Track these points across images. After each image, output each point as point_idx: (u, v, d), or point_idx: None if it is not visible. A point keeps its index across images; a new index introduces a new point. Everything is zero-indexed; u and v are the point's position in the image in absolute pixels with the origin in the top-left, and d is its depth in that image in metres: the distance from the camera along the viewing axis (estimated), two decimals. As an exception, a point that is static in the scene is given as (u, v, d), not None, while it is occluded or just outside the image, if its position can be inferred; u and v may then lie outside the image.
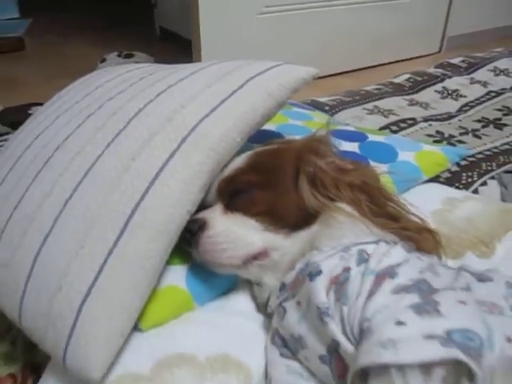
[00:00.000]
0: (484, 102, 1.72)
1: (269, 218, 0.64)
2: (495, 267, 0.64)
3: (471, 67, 2.02)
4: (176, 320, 0.65)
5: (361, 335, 0.48)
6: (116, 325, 0.56)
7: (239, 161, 0.69)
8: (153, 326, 0.63)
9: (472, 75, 1.95)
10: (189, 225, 0.64)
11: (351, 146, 0.97)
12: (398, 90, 1.77)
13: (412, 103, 1.65)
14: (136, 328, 0.63)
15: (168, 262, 0.67)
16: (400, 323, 0.44)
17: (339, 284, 0.54)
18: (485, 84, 1.87)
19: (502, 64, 2.04)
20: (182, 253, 0.68)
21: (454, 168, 1.23)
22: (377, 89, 1.77)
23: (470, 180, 1.18)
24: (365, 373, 0.44)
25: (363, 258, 0.57)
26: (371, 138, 1.01)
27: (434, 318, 0.45)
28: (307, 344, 0.55)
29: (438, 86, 1.82)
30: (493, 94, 1.78)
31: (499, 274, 0.61)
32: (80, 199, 0.64)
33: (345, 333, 0.51)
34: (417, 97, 1.72)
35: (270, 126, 1.03)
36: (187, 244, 0.65)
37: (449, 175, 1.21)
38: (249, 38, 1.91)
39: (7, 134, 1.42)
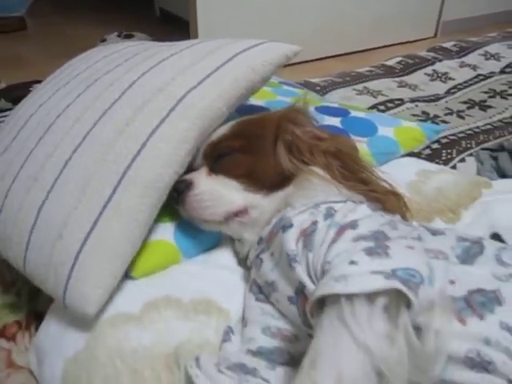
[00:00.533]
0: (472, 84, 1.78)
1: (249, 179, 0.71)
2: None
3: (462, 51, 2.07)
4: (164, 271, 0.72)
5: (322, 276, 0.55)
6: (109, 268, 0.63)
7: (224, 128, 0.76)
8: (143, 274, 0.70)
9: (463, 59, 2.00)
10: (176, 184, 0.71)
11: (334, 121, 1.03)
12: (388, 72, 1.83)
13: (401, 85, 1.71)
14: (128, 276, 0.70)
15: (158, 220, 0.75)
16: (352, 262, 0.51)
17: (307, 235, 0.61)
18: (474, 67, 1.92)
19: (493, 48, 2.09)
20: (171, 211, 0.75)
21: (435, 145, 1.30)
22: (368, 71, 1.82)
23: (449, 157, 1.25)
24: (321, 303, 0.51)
25: (330, 214, 0.63)
26: (353, 113, 1.08)
27: (383, 258, 0.51)
28: (278, 288, 0.62)
29: (429, 69, 1.87)
30: (481, 77, 1.83)
31: (453, 231, 0.68)
32: (79, 159, 0.71)
33: (309, 275, 0.58)
34: (406, 79, 1.78)
35: (259, 102, 1.09)
36: (175, 202, 0.72)
37: (430, 152, 1.28)
38: (244, 20, 1.96)
39: (10, 109, 1.49)
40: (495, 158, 1.19)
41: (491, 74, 1.86)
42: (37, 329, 0.74)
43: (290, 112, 0.76)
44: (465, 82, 1.79)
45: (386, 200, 0.72)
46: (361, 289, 0.47)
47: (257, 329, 0.62)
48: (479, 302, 0.52)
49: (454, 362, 0.49)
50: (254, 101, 1.09)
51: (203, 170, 0.74)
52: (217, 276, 0.72)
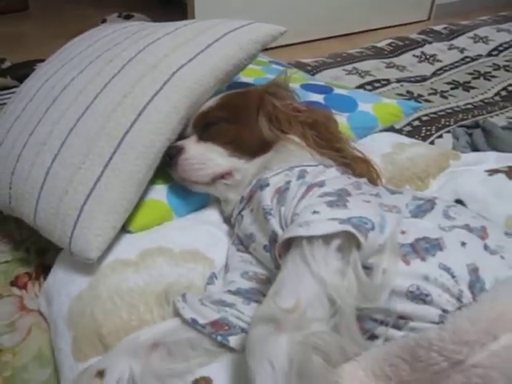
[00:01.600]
0: (458, 66, 1.85)
1: (233, 146, 0.80)
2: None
3: (452, 34, 2.13)
4: (158, 226, 0.81)
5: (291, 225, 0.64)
6: (109, 220, 0.73)
7: (212, 101, 0.85)
8: (139, 229, 0.80)
9: (452, 41, 2.06)
10: (169, 150, 0.80)
11: (317, 97, 1.11)
12: (378, 53, 1.90)
13: (389, 66, 1.78)
14: (127, 230, 0.80)
15: (153, 182, 0.84)
16: (315, 212, 0.60)
17: (281, 192, 0.70)
18: (462, 50, 1.98)
19: (482, 32, 2.15)
20: (165, 175, 0.84)
21: (416, 123, 1.38)
22: (359, 52, 1.89)
23: (428, 133, 1.33)
24: (288, 246, 0.60)
25: (302, 175, 0.72)
26: (336, 91, 1.16)
27: (341, 209, 0.60)
28: (256, 239, 0.72)
29: (417, 51, 1.94)
30: (468, 60, 1.90)
31: (411, 191, 0.77)
32: (82, 127, 0.80)
33: (281, 226, 0.67)
34: (395, 60, 1.85)
35: (248, 79, 1.17)
36: (168, 166, 0.81)
37: (410, 129, 1.36)
38: (242, 1, 2.02)
39: (16, 86, 1.57)
40: (470, 135, 1.27)
41: (478, 57, 1.93)
42: (45, 279, 0.84)
43: (271, 86, 0.85)
44: (451, 64, 1.86)
45: (356, 165, 0.81)
46: (319, 232, 0.57)
47: (237, 273, 0.71)
48: (423, 248, 0.61)
49: (397, 294, 0.58)
50: (244, 78, 1.17)
51: (193, 138, 0.83)
52: (204, 231, 0.82)
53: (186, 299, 0.65)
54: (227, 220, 0.85)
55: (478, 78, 1.74)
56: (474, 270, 0.58)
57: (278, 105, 0.81)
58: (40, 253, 0.95)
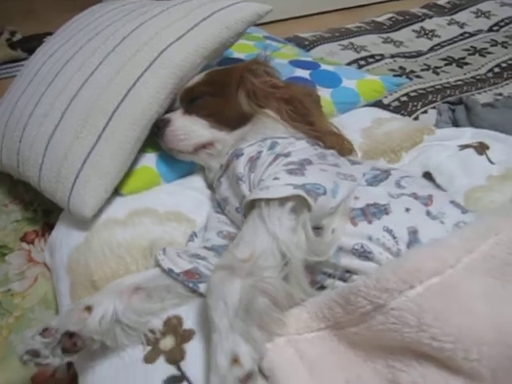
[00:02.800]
0: (456, 42, 1.88)
1: (215, 118, 0.89)
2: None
3: (455, 8, 2.15)
4: (147, 190, 0.91)
5: (257, 190, 0.73)
6: (102, 183, 0.83)
7: (198, 77, 0.93)
8: (130, 192, 0.90)
9: (453, 16, 2.08)
10: (157, 122, 0.89)
11: (304, 73, 1.18)
12: (377, 28, 1.93)
13: (386, 41, 1.82)
14: (119, 193, 0.90)
15: (144, 150, 0.94)
16: (276, 178, 0.69)
17: (253, 161, 0.79)
18: (462, 25, 2.01)
19: (485, 6, 2.16)
20: (155, 144, 0.94)
21: (404, 98, 1.44)
22: (358, 27, 1.93)
23: (414, 109, 1.39)
24: (251, 207, 0.69)
25: (273, 146, 0.81)
26: (323, 67, 1.23)
27: (298, 176, 0.69)
28: (230, 202, 0.81)
29: (417, 26, 1.97)
30: (466, 35, 1.93)
31: (371, 163, 0.85)
32: (80, 100, 0.89)
33: (250, 191, 0.76)
34: (393, 35, 1.88)
35: (240, 55, 1.24)
36: (157, 136, 0.90)
37: (398, 104, 1.42)
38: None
39: (25, 59, 1.66)
40: (453, 111, 1.33)
41: (477, 32, 1.95)
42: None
43: (251, 64, 0.92)
44: (449, 40, 1.89)
45: (326, 139, 0.89)
46: (275, 195, 0.65)
47: (213, 232, 0.81)
48: (371, 212, 0.69)
49: (344, 251, 0.67)
50: (236, 53, 1.24)
51: (179, 111, 0.91)
52: (188, 195, 0.91)
53: (165, 252, 0.75)
54: (210, 186, 0.94)
55: (473, 54, 1.77)
56: (413, 232, 0.66)
57: (255, 82, 0.88)
58: (46, 213, 1.06)
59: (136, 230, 0.82)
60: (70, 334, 0.61)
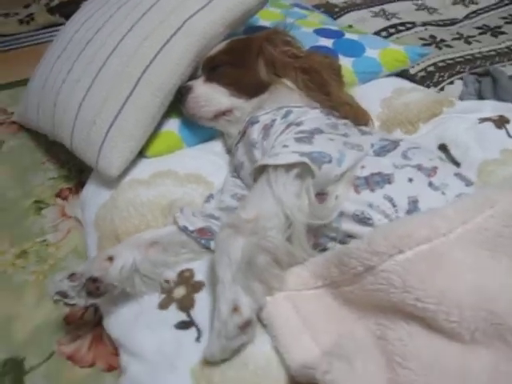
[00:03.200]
0: (494, 9, 1.81)
1: (234, 87, 0.93)
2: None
3: (496, -27, 2.05)
4: (170, 153, 0.97)
5: (269, 156, 0.78)
6: (127, 145, 0.89)
7: (220, 45, 0.97)
8: (154, 155, 0.96)
9: (494, -19, 1.99)
10: (180, 89, 0.94)
11: (327, 42, 1.19)
12: (412, -6, 1.88)
13: (420, 8, 1.78)
14: (144, 156, 0.96)
15: (168, 116, 0.99)
16: (285, 146, 0.73)
17: (266, 129, 0.83)
18: (503, -9, 1.92)
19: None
20: (178, 110, 0.99)
21: (431, 68, 1.43)
22: (392, -8, 1.88)
23: (440, 79, 1.38)
24: (261, 172, 0.74)
25: (287, 115, 0.85)
26: (347, 36, 1.23)
27: (306, 144, 0.73)
28: (244, 167, 0.86)
29: (454, -8, 1.90)
30: (506, 2, 1.85)
31: (381, 133, 0.88)
32: (109, 66, 0.95)
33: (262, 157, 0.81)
34: (428, 2, 1.84)
35: (265, 22, 1.26)
36: (179, 102, 0.95)
37: (424, 74, 1.41)
38: None
39: (63, 24, 1.72)
40: (480, 82, 1.31)
41: (519, -1, 1.87)
42: (82, 193, 1.03)
43: (270, 34, 0.95)
44: (487, 7, 1.82)
45: (341, 109, 0.91)
46: (282, 161, 0.70)
47: (228, 195, 0.86)
48: (375, 181, 0.73)
49: (345, 216, 0.71)
50: (262, 21, 1.26)
51: (201, 79, 0.96)
52: (208, 159, 0.97)
53: (183, 211, 0.81)
54: (229, 151, 0.99)
55: (510, 22, 1.71)
56: (414, 202, 0.70)
57: (274, 52, 0.91)
58: (79, 172, 1.15)
59: (158, 190, 0.88)
60: (94, 280, 0.69)
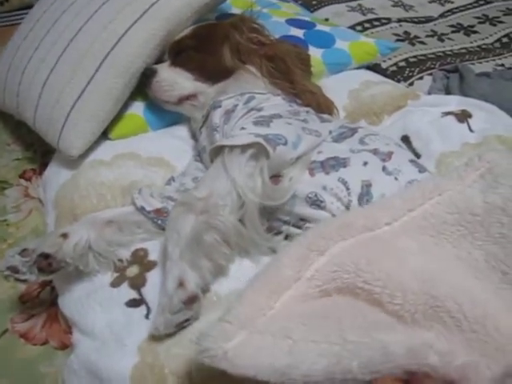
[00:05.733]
0: (469, 8, 1.84)
1: (199, 72, 0.93)
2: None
3: (474, -26, 2.08)
4: (134, 136, 0.97)
5: (227, 139, 0.78)
6: (89, 126, 0.89)
7: (186, 30, 0.97)
8: (118, 137, 0.96)
9: (472, -18, 2.02)
10: (145, 71, 0.94)
11: (298, 32, 1.20)
12: (390, -10, 1.90)
13: (396, 4, 1.80)
14: (108, 138, 0.96)
15: (133, 98, 0.99)
16: (242, 128, 0.74)
17: (228, 113, 0.84)
18: (479, -9, 1.95)
19: (507, -27, 2.09)
20: (144, 93, 0.99)
21: (402, 63, 1.44)
22: (370, -12, 1.90)
23: (410, 74, 1.39)
24: (217, 154, 0.74)
25: (249, 100, 0.85)
26: (318, 27, 1.24)
27: (263, 127, 0.74)
28: (207, 150, 0.86)
29: (431, -10, 1.92)
30: (481, 2, 1.88)
31: (341, 121, 0.89)
32: (74, 47, 0.94)
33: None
34: (405, -1, 1.85)
35: (238, 11, 1.26)
36: (144, 85, 0.95)
37: (395, 69, 1.42)
38: None
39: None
40: (448, 78, 1.34)
41: (494, 0, 1.90)
42: (46, 175, 1.02)
43: (237, 20, 0.95)
44: (463, 6, 1.84)
45: (303, 97, 0.92)
46: (237, 142, 0.71)
47: (189, 178, 0.87)
48: (330, 165, 0.74)
49: (298, 199, 0.72)
50: (235, 9, 1.26)
51: (166, 63, 0.96)
52: (172, 143, 0.97)
53: (141, 192, 0.81)
54: (194, 136, 1.00)
55: (484, 22, 1.73)
56: (367, 186, 0.71)
57: (239, 38, 0.92)
58: (44, 154, 1.14)
59: (119, 172, 0.88)
60: (46, 256, 0.69)
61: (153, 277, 0.71)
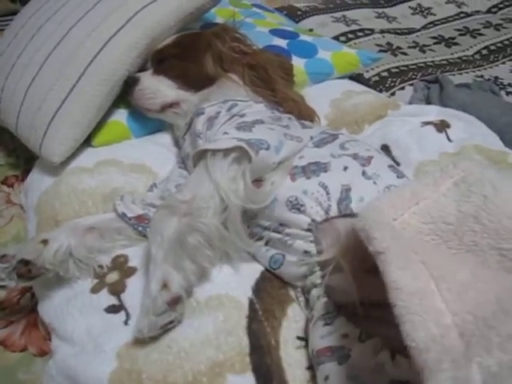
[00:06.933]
0: (450, 21, 1.88)
1: (182, 80, 0.94)
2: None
3: (455, -13, 2.13)
4: (117, 143, 0.98)
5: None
6: (71, 133, 0.90)
7: (169, 39, 0.98)
8: (101, 144, 0.97)
9: (453, -5, 2.07)
10: (127, 79, 0.95)
11: (281, 42, 1.22)
12: (373, 2, 1.94)
13: (380, 16, 1.84)
14: (90, 145, 0.96)
15: (117, 106, 1.00)
16: (225, 133, 0.75)
17: (211, 120, 0.85)
18: (460, 5, 2.00)
19: (487, -14, 2.14)
20: (127, 101, 1.00)
21: (385, 74, 1.47)
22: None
23: (392, 84, 1.43)
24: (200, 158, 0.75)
25: (232, 107, 0.86)
26: (302, 37, 1.26)
27: (246, 132, 0.74)
28: (190, 157, 0.87)
29: (414, 3, 1.97)
30: (462, 15, 1.93)
31: (322, 127, 0.91)
32: (58, 54, 0.95)
33: (207, 146, 0.82)
34: (388, 11, 1.89)
35: (221, 20, 1.28)
36: (126, 93, 0.96)
37: (378, 79, 1.45)
38: None
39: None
40: (429, 89, 1.36)
41: (474, 13, 1.95)
42: (29, 181, 1.02)
43: (219, 29, 0.97)
44: (444, 19, 1.89)
45: (284, 104, 0.94)
46: (220, 146, 0.71)
47: (172, 184, 0.87)
48: (311, 170, 0.75)
49: (278, 203, 0.73)
50: (219, 19, 1.28)
51: (149, 71, 0.97)
52: (155, 150, 0.98)
53: (123, 199, 0.82)
54: (177, 143, 1.00)
55: (464, 34, 1.78)
56: (346, 190, 0.72)
57: (221, 47, 0.93)
58: (27, 160, 1.13)
59: (101, 179, 0.89)
60: (26, 262, 0.69)
61: (133, 283, 0.72)
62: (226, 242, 0.70)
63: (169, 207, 0.67)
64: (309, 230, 0.71)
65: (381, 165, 0.77)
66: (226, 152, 0.71)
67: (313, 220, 0.71)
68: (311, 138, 0.83)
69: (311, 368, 0.65)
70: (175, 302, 0.62)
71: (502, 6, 2.04)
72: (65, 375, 0.66)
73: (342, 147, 0.80)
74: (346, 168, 0.74)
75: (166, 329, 0.63)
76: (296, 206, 0.72)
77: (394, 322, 0.63)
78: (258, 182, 0.74)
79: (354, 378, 0.59)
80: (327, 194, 0.72)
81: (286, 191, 0.73)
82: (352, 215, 0.70)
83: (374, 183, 0.73)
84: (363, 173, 0.74)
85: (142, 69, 0.98)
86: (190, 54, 0.95)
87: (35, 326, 0.80)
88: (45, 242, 0.72)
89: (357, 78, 1.38)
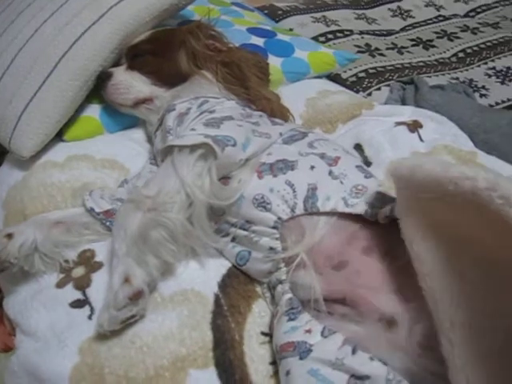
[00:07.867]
0: (429, 24, 1.90)
1: (155, 76, 0.94)
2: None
3: (435, -10, 2.16)
4: (89, 139, 0.97)
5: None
6: (42, 127, 0.89)
7: (144, 35, 0.98)
8: (73, 139, 0.96)
9: (432, -2, 2.09)
10: (100, 74, 0.94)
11: (258, 41, 1.23)
12: (354, 3, 1.95)
13: (360, 17, 1.85)
14: (62, 140, 0.96)
15: (89, 101, 0.99)
16: (192, 129, 0.75)
17: (181, 116, 0.85)
18: (439, 8, 2.03)
19: (466, -9, 2.17)
20: (100, 96, 0.99)
21: (362, 74, 1.49)
22: (335, 0, 1.95)
23: (368, 85, 1.44)
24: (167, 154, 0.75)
25: (202, 104, 0.87)
26: (279, 36, 1.27)
27: (213, 128, 0.75)
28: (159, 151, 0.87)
29: (394, 5, 1.99)
30: (440, 19, 1.95)
31: (293, 124, 0.91)
32: (30, 47, 0.94)
33: (176, 142, 0.82)
34: (368, 12, 1.91)
35: (199, 17, 1.28)
36: (99, 88, 0.96)
37: (355, 79, 1.47)
38: None
39: None
40: (404, 89, 1.38)
41: (452, 16, 1.97)
42: None
43: (194, 26, 0.97)
44: (423, 21, 1.91)
45: (257, 102, 0.94)
46: (186, 142, 0.71)
47: (143, 181, 0.87)
48: (278, 167, 0.75)
49: (245, 200, 0.73)
50: (198, 16, 1.28)
51: (123, 67, 0.97)
52: (127, 145, 0.97)
53: (91, 194, 0.82)
54: (150, 139, 1.00)
55: (442, 37, 1.80)
56: (312, 189, 0.72)
57: (195, 44, 0.93)
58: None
59: (71, 173, 0.88)
60: (-12, 256, 0.68)
61: (98, 278, 0.71)
62: (192, 238, 0.70)
63: (133, 202, 0.67)
64: (275, 227, 0.72)
65: (348, 165, 0.78)
66: (193, 148, 0.71)
67: (279, 218, 0.72)
68: (280, 134, 0.83)
69: (275, 363, 0.66)
70: (137, 297, 0.62)
71: (479, 10, 2.07)
72: (27, 371, 0.66)
73: (310, 145, 0.81)
74: (312, 167, 0.75)
75: (128, 323, 0.63)
76: (262, 204, 0.72)
77: (357, 319, 0.65)
78: (225, 179, 0.75)
79: (314, 373, 0.60)
80: (293, 192, 0.72)
81: (253, 189, 0.73)
82: (318, 213, 0.71)
83: (341, 183, 0.74)
84: (330, 172, 0.75)
85: (116, 64, 0.98)
86: (164, 51, 0.95)
87: (0, 322, 0.79)
88: (10, 235, 0.71)
89: (334, 78, 1.39)
